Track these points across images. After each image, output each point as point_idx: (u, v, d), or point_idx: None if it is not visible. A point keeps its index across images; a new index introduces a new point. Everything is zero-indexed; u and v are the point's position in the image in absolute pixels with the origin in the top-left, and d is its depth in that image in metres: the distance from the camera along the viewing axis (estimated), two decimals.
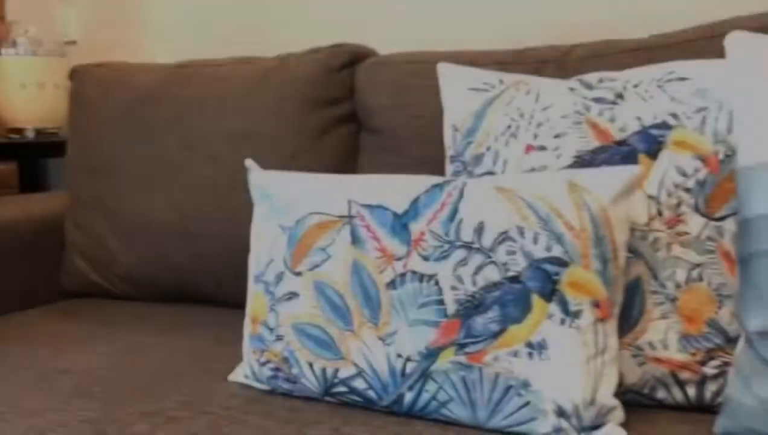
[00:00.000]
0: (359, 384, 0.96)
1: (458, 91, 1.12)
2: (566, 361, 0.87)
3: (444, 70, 1.16)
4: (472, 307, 0.90)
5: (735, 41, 0.96)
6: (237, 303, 1.27)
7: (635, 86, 1.02)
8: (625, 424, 0.90)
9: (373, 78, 1.43)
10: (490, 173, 1.06)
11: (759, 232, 0.87)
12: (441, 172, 1.18)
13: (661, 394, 0.96)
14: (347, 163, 1.46)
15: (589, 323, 0.87)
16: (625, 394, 0.97)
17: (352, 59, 1.48)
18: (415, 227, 0.95)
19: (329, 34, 1.59)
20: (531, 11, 1.54)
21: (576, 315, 0.87)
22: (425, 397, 0.93)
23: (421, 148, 1.34)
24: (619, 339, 0.95)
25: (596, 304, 0.87)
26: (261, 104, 1.47)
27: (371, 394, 0.96)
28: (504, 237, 0.90)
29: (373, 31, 1.65)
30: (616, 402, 0.90)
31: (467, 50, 1.36)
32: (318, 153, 1.45)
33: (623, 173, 0.90)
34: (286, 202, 1.04)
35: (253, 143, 1.46)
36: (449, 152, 1.13)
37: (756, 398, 0.86)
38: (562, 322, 0.87)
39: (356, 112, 1.48)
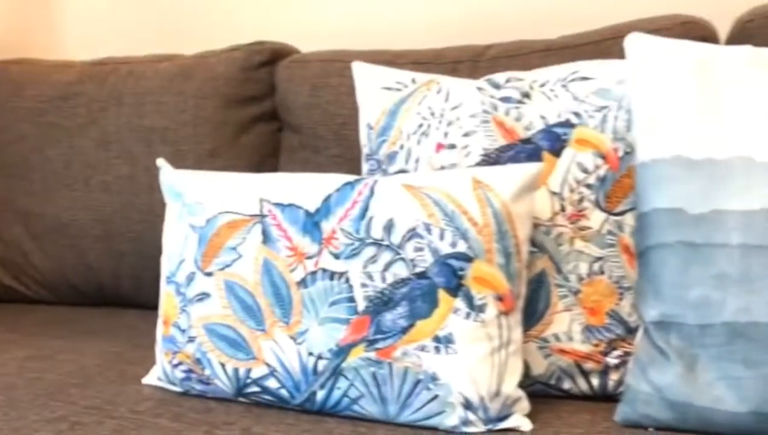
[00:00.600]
0: (272, 383, 0.96)
1: (372, 90, 1.13)
2: (472, 354, 0.89)
3: (358, 69, 1.17)
4: (381, 303, 0.91)
5: (633, 42, 0.99)
6: (157, 305, 1.25)
7: (541, 86, 1.05)
8: (530, 415, 0.93)
9: (293, 76, 1.43)
10: (404, 171, 1.07)
11: (655, 226, 0.91)
12: (359, 170, 1.19)
13: (567, 384, 1.00)
14: (268, 161, 1.46)
15: (493, 316, 0.89)
16: (532, 385, 1.00)
17: (272, 57, 1.48)
18: (327, 225, 0.95)
19: (250, 32, 1.58)
20: (454, 9, 1.56)
21: (480, 309, 0.89)
22: (337, 394, 0.93)
23: (339, 146, 1.34)
24: (525, 331, 0.98)
25: (500, 298, 0.89)
26: (179, 102, 1.45)
27: (284, 393, 0.96)
28: (412, 234, 0.91)
29: (295, 28, 1.65)
30: (521, 393, 0.92)
31: (386, 49, 1.37)
32: (238, 151, 1.44)
33: (524, 170, 0.92)
34: (196, 202, 1.03)
35: (171, 142, 1.44)
36: (364, 151, 1.14)
37: (652, 386, 0.89)
38: (468, 315, 0.89)
39: (277, 111, 1.48)
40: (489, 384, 0.89)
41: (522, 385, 0.96)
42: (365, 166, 1.13)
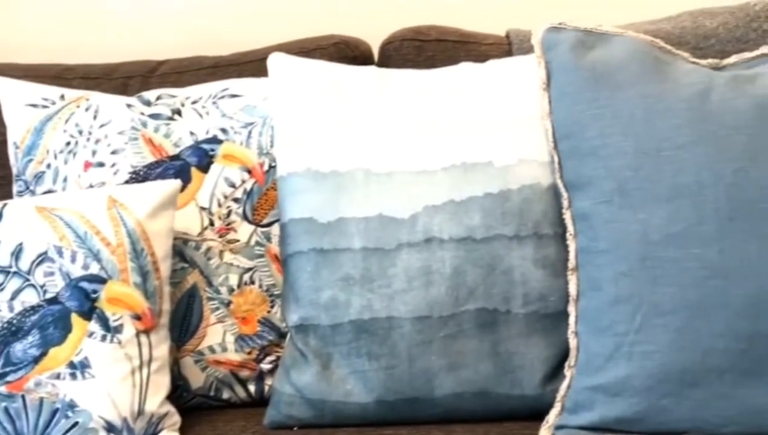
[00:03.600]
0: None
1: (17, 107, 1.07)
2: (110, 377, 0.87)
3: (2, 85, 1.10)
4: (9, 334, 0.87)
5: (275, 62, 1.05)
6: None
7: (194, 103, 1.07)
8: (184, 428, 0.94)
9: None
10: (51, 192, 1.03)
11: (292, 235, 0.97)
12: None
13: (226, 394, 1.02)
14: None
15: (132, 336, 0.89)
16: (193, 398, 1.01)
17: None
18: None
19: None
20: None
21: (117, 330, 0.88)
22: None
23: (4, 167, 1.26)
24: (181, 347, 0.99)
25: (137, 317, 0.89)
26: None
27: None
28: (42, 258, 0.88)
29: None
30: (169, 408, 0.93)
31: (53, 63, 1.30)
32: None
33: (161, 188, 0.93)
34: None
35: None
36: (14, 171, 1.08)
37: (294, 387, 0.94)
38: (104, 338, 0.87)
39: None
40: (131, 404, 0.88)
41: (183, 399, 0.96)
42: (15, 188, 1.07)
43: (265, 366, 1.01)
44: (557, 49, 0.92)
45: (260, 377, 1.01)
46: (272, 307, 1.02)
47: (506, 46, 1.16)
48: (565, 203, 0.90)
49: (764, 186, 0.78)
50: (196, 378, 1.00)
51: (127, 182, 1.00)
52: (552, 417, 0.87)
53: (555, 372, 0.91)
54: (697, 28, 1.07)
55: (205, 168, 1.01)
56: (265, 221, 1.02)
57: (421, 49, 1.18)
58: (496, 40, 1.18)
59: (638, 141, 0.83)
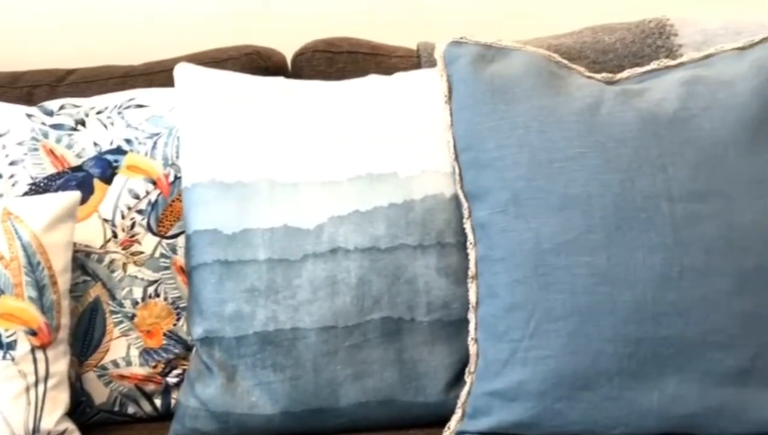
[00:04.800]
0: None
1: None
2: (3, 395, 0.85)
3: None
4: None
5: (181, 72, 1.04)
6: None
7: (98, 113, 1.05)
8: None
9: None
10: None
11: (196, 247, 0.96)
12: None
13: (131, 408, 1.00)
14: None
15: (26, 352, 0.86)
16: (97, 414, 0.99)
17: None
18: None
19: None
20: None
21: (10, 346, 0.86)
22: None
23: None
24: (83, 362, 0.97)
25: (32, 332, 0.87)
26: None
27: None
28: None
29: None
30: (67, 425, 0.90)
31: None
32: None
33: (60, 199, 0.91)
34: None
35: None
36: None
37: (198, 400, 0.93)
38: None
39: None
40: (26, 422, 0.86)
41: (86, 415, 0.94)
42: None
43: (171, 379, 0.99)
44: (458, 62, 0.95)
45: (166, 391, 1.00)
46: (178, 319, 1.00)
47: (416, 59, 1.18)
48: (466, 213, 0.92)
49: (648, 195, 0.82)
50: (100, 393, 0.98)
51: (26, 194, 0.98)
52: (453, 423, 0.88)
53: (458, 378, 0.93)
54: (597, 43, 1.12)
55: (108, 179, 1.00)
56: (170, 233, 1.01)
57: (332, 60, 1.19)
58: (406, 53, 1.20)
59: (532, 152, 0.86)
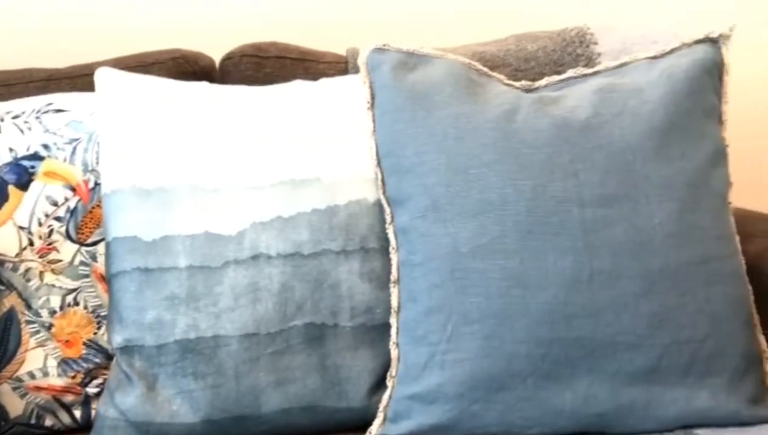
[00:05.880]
0: None
1: None
2: None
3: None
4: None
5: (102, 77, 1.02)
6: None
7: (15, 117, 1.02)
8: None
9: None
10: None
11: (116, 255, 0.94)
12: None
13: (49, 420, 0.98)
14: None
15: None
16: (12, 428, 0.96)
17: None
18: None
19: None
20: None
21: None
22: None
23: None
24: None
25: None
26: None
27: None
28: None
29: None
30: None
31: None
32: None
33: None
34: None
35: None
36: None
37: (118, 410, 0.92)
38: None
39: None
40: None
41: (2, 429, 0.92)
42: None
43: (92, 390, 0.97)
44: (380, 69, 0.95)
45: (86, 402, 0.98)
46: (99, 328, 0.98)
47: (344, 65, 1.19)
48: (388, 218, 0.93)
49: (560, 200, 0.84)
50: (15, 406, 0.95)
51: None
52: (375, 427, 0.89)
53: (381, 383, 0.94)
54: (520, 51, 1.14)
55: (24, 186, 0.97)
56: (90, 240, 0.99)
57: (260, 65, 1.19)
58: (334, 59, 1.20)
59: (449, 159, 0.87)
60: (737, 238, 0.94)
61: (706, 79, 0.95)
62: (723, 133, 0.97)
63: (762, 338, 0.92)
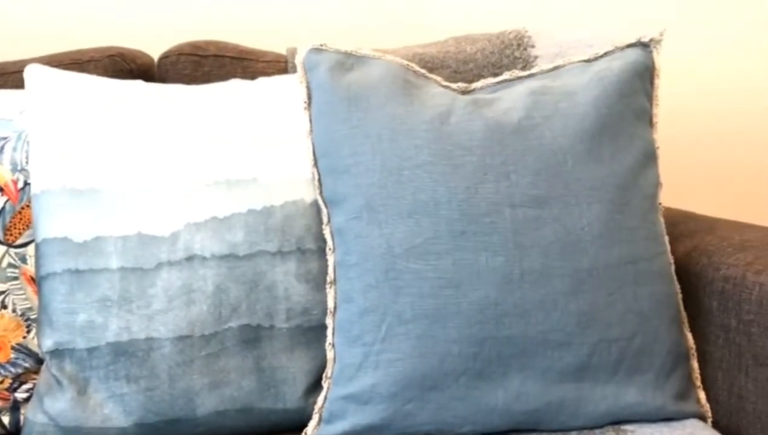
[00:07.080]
0: None
1: None
2: None
3: None
4: None
5: (32, 74, 1.00)
6: None
7: None
8: None
9: None
10: None
11: (46, 256, 0.92)
12: None
13: None
14: None
15: None
16: None
17: None
18: None
19: None
20: None
21: None
22: None
23: None
24: None
25: None
26: None
27: None
28: None
29: None
30: None
31: None
32: None
33: None
34: None
35: None
36: None
37: (47, 415, 0.90)
38: None
39: None
40: None
41: None
42: None
43: (21, 395, 0.95)
44: (317, 69, 0.95)
45: (15, 407, 0.95)
46: (28, 332, 0.96)
47: (284, 64, 1.18)
48: (325, 219, 0.93)
49: (492, 201, 0.85)
50: None
51: None
52: (310, 429, 0.89)
53: (317, 384, 0.93)
54: (459, 52, 1.15)
55: None
56: (19, 242, 0.96)
57: (199, 64, 1.17)
58: (274, 58, 1.19)
59: (384, 160, 0.87)
60: (666, 238, 0.96)
61: (638, 82, 0.97)
62: (654, 135, 0.99)
63: (689, 335, 0.95)
